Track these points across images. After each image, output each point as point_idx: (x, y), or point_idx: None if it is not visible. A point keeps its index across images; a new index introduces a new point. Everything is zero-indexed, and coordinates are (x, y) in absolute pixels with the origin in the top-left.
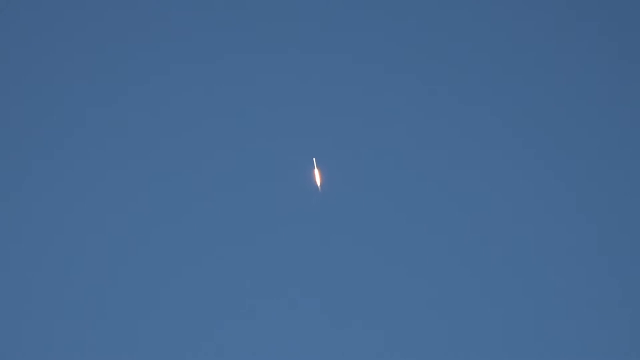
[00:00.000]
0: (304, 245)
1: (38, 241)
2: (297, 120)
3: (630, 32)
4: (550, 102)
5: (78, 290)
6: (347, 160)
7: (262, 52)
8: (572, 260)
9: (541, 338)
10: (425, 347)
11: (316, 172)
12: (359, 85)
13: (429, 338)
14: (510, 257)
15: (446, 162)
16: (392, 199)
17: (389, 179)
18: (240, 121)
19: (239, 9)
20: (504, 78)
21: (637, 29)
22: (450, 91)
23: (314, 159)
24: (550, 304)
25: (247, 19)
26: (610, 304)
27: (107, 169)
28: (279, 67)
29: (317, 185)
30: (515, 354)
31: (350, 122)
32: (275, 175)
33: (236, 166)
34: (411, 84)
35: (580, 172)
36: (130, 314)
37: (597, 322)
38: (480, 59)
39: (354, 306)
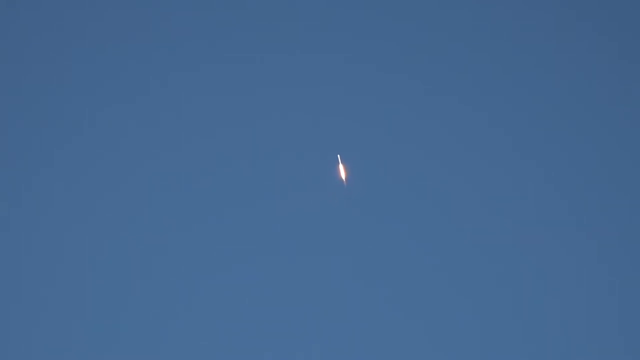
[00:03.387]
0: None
1: (38, 241)
2: (300, 123)
3: (630, 32)
4: (550, 104)
5: (88, 293)
6: (351, 162)
7: (266, 52)
8: (571, 271)
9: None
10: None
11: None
12: (361, 86)
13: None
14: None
15: (448, 163)
16: (392, 201)
17: (392, 181)
18: (245, 126)
19: (245, 10)
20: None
21: (637, 29)
22: (452, 91)
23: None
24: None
25: (252, 19)
26: (609, 313)
27: (117, 175)
28: (285, 67)
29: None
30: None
31: (354, 124)
32: (274, 176)
33: (238, 167)
34: (415, 83)
35: (580, 174)
36: (143, 320)
37: (597, 334)
38: (488, 60)
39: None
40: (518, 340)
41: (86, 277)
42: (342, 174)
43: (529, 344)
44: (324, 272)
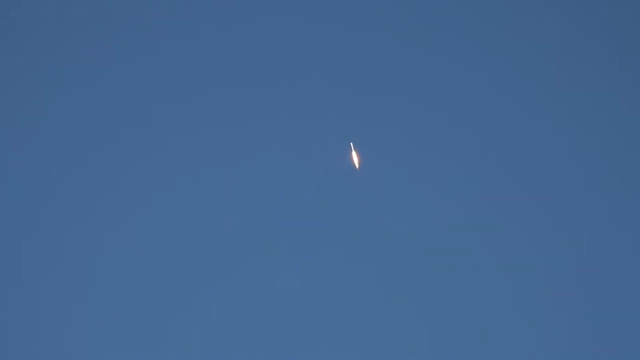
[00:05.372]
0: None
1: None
2: (300, 123)
3: (630, 32)
4: (552, 104)
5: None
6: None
7: (266, 50)
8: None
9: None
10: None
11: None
12: (361, 84)
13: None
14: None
15: (450, 163)
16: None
17: (392, 180)
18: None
19: (246, 9)
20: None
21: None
22: (451, 90)
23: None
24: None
25: (253, 19)
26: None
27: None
28: (285, 67)
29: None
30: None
31: (354, 123)
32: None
33: (243, 165)
34: (418, 82)
35: (582, 175)
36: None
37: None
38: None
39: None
40: (519, 340)
41: (87, 277)
42: (355, 159)
43: (531, 343)
44: (330, 271)
